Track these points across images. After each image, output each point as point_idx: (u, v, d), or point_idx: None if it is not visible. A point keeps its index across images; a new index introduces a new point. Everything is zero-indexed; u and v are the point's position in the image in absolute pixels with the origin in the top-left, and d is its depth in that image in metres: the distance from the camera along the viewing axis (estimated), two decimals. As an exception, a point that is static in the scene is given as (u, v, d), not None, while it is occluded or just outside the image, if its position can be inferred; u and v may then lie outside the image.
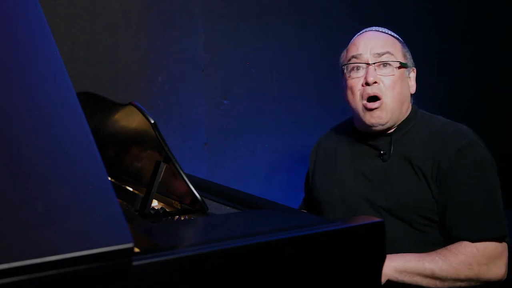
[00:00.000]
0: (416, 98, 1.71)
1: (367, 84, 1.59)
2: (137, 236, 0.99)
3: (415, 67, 1.70)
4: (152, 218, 1.29)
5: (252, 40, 2.68)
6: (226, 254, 0.92)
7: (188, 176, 1.27)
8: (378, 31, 1.67)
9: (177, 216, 1.32)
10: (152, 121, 1.26)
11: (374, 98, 1.60)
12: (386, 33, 1.67)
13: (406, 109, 1.65)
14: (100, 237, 0.79)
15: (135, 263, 0.82)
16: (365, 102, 1.61)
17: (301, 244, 0.99)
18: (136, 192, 1.41)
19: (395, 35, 1.68)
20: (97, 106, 1.60)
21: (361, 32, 1.71)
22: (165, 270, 0.86)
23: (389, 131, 1.66)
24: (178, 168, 1.26)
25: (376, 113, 1.60)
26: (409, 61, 1.66)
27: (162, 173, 1.29)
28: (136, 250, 0.94)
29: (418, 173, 1.56)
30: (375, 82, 1.59)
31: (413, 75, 1.68)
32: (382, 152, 1.64)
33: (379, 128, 1.62)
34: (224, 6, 2.61)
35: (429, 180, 1.54)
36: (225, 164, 2.66)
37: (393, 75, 1.60)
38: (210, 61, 2.59)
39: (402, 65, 1.61)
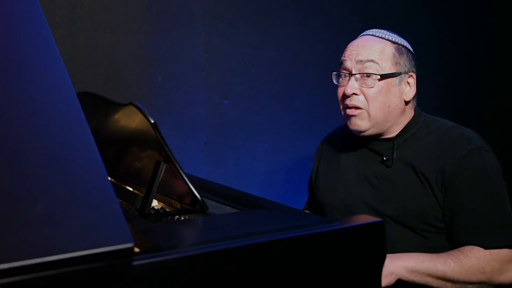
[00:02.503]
0: (416, 99, 1.70)
1: (346, 95, 1.60)
2: (137, 236, 0.99)
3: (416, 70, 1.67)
4: (152, 218, 1.29)
5: (252, 40, 2.68)
6: (226, 254, 0.92)
7: (188, 176, 1.27)
8: (374, 35, 1.63)
9: (177, 216, 1.32)
10: (152, 121, 1.26)
11: (353, 107, 1.60)
12: (381, 37, 1.62)
13: (396, 116, 1.62)
14: (100, 237, 0.79)
15: (135, 263, 0.82)
16: (345, 110, 1.63)
17: (301, 244, 0.99)
18: (136, 192, 1.41)
19: (394, 39, 1.63)
20: (97, 106, 1.60)
21: (359, 36, 1.70)
22: (165, 270, 0.86)
23: (391, 136, 1.65)
24: (178, 168, 1.26)
25: (354, 120, 1.61)
26: (404, 67, 1.61)
27: (162, 173, 1.29)
28: (136, 250, 0.94)
29: (422, 179, 1.55)
30: (354, 94, 1.59)
31: (411, 80, 1.63)
32: (384, 158, 1.63)
33: (363, 134, 1.62)
34: (224, 6, 2.61)
35: (433, 186, 1.53)
36: (225, 164, 2.66)
37: (373, 87, 1.58)
38: (210, 61, 2.59)
39: (384, 77, 1.58)
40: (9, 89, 0.95)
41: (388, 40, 1.62)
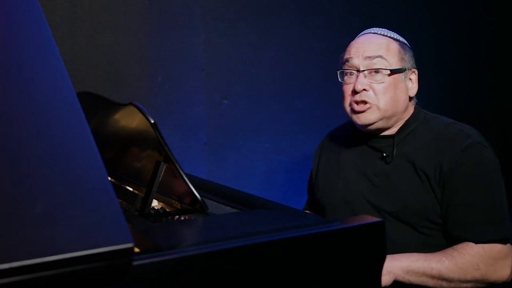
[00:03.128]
0: (416, 97, 1.71)
1: (356, 91, 1.59)
2: (137, 236, 0.99)
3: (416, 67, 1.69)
4: (152, 218, 1.29)
5: (252, 40, 2.68)
6: (226, 254, 0.92)
7: (188, 176, 1.27)
8: (376, 33, 1.65)
9: (177, 216, 1.32)
10: (152, 121, 1.26)
11: (362, 102, 1.60)
12: (384, 35, 1.64)
13: (402, 111, 1.63)
14: (100, 237, 0.79)
15: (135, 263, 0.82)
16: (353, 104, 1.62)
17: (301, 244, 0.99)
18: (136, 192, 1.41)
19: (396, 36, 1.66)
20: (97, 106, 1.60)
21: (360, 34, 1.70)
22: (165, 270, 0.86)
23: (391, 133, 1.65)
24: (178, 168, 1.26)
25: (363, 115, 1.60)
26: (408, 63, 1.63)
27: (162, 173, 1.29)
28: (136, 250, 0.94)
29: (421, 175, 1.55)
30: (364, 89, 1.59)
31: (414, 77, 1.65)
32: (384, 154, 1.63)
33: (369, 128, 1.62)
34: (224, 6, 2.61)
35: (432, 182, 1.54)
36: (225, 164, 2.66)
37: (383, 82, 1.58)
38: (210, 61, 2.59)
39: (394, 72, 1.59)
40: (9, 89, 0.95)
41: (390, 37, 1.65)
